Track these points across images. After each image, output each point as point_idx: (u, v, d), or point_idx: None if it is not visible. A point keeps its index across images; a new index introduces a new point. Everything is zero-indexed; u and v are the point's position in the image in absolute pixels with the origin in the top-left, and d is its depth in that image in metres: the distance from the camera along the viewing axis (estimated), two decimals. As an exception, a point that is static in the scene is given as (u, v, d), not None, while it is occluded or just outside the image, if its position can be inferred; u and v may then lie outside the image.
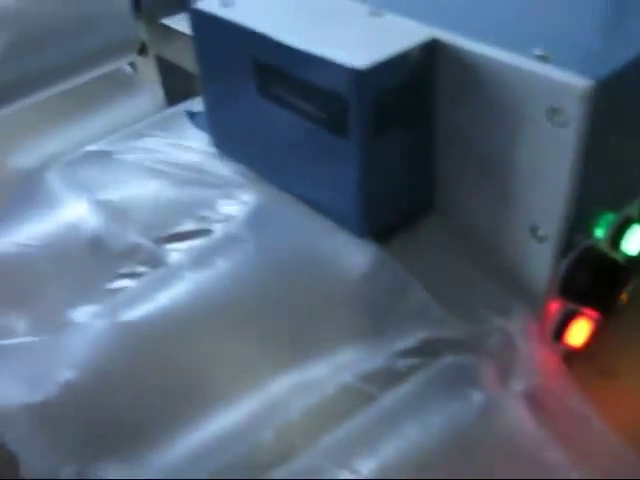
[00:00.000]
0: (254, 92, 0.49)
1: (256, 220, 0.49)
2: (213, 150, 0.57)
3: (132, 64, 0.80)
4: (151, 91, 0.78)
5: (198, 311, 0.43)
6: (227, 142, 0.56)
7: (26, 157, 0.73)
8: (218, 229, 0.48)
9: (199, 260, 0.46)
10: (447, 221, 0.51)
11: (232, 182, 0.52)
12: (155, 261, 0.47)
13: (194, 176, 0.54)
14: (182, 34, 0.73)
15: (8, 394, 0.40)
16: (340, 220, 0.49)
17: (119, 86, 0.76)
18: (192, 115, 0.62)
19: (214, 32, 0.51)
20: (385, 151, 0.45)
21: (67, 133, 0.75)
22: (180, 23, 0.73)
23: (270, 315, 0.44)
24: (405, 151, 0.47)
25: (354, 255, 0.46)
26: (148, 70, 0.78)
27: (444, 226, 0.51)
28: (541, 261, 0.46)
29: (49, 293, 0.49)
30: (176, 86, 0.79)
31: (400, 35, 0.44)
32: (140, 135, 0.61)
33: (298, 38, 0.45)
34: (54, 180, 0.58)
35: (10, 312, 0.48)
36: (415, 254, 0.49)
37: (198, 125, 0.61)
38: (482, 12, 0.48)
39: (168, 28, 0.74)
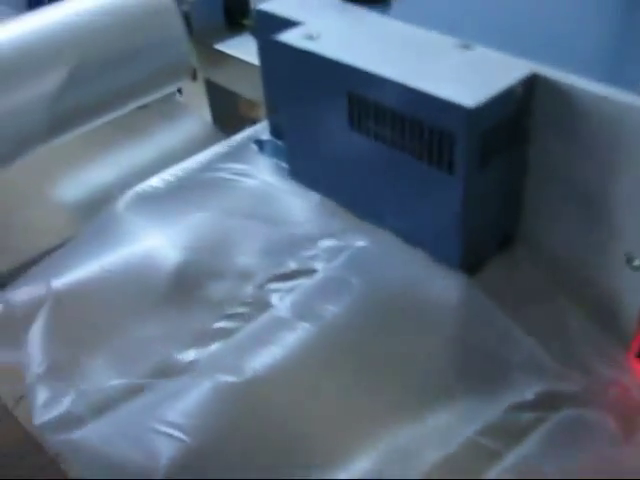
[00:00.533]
0: (344, 124, 0.49)
1: (356, 258, 0.48)
2: (291, 181, 0.57)
3: (179, 88, 0.79)
4: (199, 115, 0.78)
5: (309, 364, 0.42)
6: (307, 173, 0.56)
7: (79, 186, 0.72)
8: (319, 268, 0.48)
9: (305, 305, 0.45)
10: (533, 251, 0.51)
11: (321, 216, 0.52)
12: (256, 303, 0.47)
13: (278, 210, 0.53)
14: (234, 58, 0.73)
15: (122, 459, 0.39)
16: (434, 251, 0.49)
17: (166, 111, 0.76)
18: (261, 144, 0.62)
19: (298, 64, 0.51)
20: (485, 184, 0.46)
21: (118, 160, 0.75)
22: (233, 47, 0.73)
23: (381, 363, 0.43)
24: (501, 182, 0.47)
25: (455, 295, 0.46)
26: (196, 94, 0.77)
27: (530, 256, 0.51)
28: (636, 291, 0.46)
29: (138, 333, 0.48)
30: (224, 110, 0.79)
31: (500, 70, 0.45)
32: (209, 166, 0.61)
33: (397, 72, 0.45)
34: (129, 214, 0.57)
35: (96, 353, 0.46)
36: (507, 287, 0.49)
37: (268, 154, 0.61)
38: (571, 43, 0.48)
39: (218, 52, 0.74)
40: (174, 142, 0.76)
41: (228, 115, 0.79)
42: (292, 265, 0.48)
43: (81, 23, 0.66)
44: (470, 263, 0.49)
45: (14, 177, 0.67)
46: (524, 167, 0.48)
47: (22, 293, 0.49)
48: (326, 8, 0.56)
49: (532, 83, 0.45)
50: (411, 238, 0.50)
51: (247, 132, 0.65)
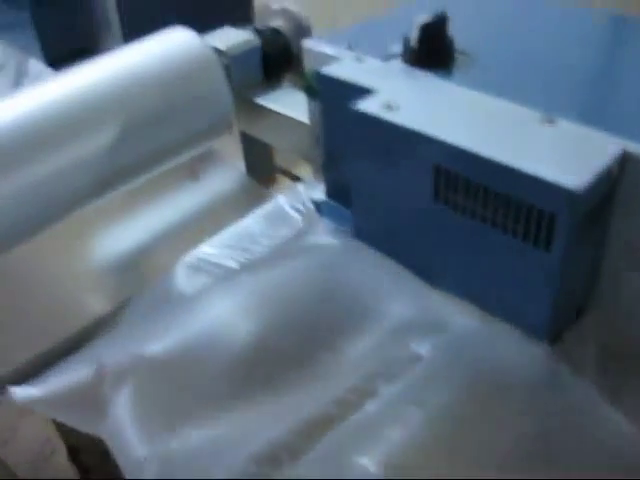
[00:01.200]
0: (427, 195, 0.49)
1: (453, 340, 0.48)
2: (361, 247, 0.56)
3: (212, 139, 0.78)
4: (234, 166, 0.77)
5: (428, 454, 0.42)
6: (376, 237, 0.55)
7: (116, 248, 0.71)
8: (422, 352, 0.47)
9: (410, 394, 0.44)
10: (607, 318, 0.51)
11: (398, 285, 0.52)
12: (361, 390, 0.45)
13: (359, 284, 0.53)
14: (272, 112, 0.73)
15: None
16: (517, 321, 0.49)
17: (201, 161, 0.75)
18: (318, 205, 0.61)
19: (378, 133, 0.51)
20: (577, 259, 0.46)
21: (157, 214, 0.74)
22: (271, 101, 0.73)
23: (477, 449, 0.43)
24: (587, 256, 0.48)
25: (546, 371, 0.46)
26: (229, 144, 0.77)
27: (604, 324, 0.51)
28: None
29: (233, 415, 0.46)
30: (258, 161, 0.79)
31: (592, 147, 0.45)
32: (267, 230, 0.60)
33: (491, 149, 0.45)
34: (191, 282, 0.56)
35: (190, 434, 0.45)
36: (588, 356, 0.49)
37: (326, 216, 0.61)
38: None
39: (255, 105, 0.73)
40: (211, 194, 0.75)
41: (262, 166, 0.79)
42: (392, 349, 0.47)
43: (127, 82, 0.65)
44: (554, 333, 0.49)
45: (49, 243, 0.65)
46: (604, 238, 0.49)
47: (107, 359, 0.47)
48: (391, 73, 0.56)
49: (624, 160, 0.45)
50: (491, 307, 0.50)
51: (294, 191, 0.64)
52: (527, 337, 0.48)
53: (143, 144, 0.65)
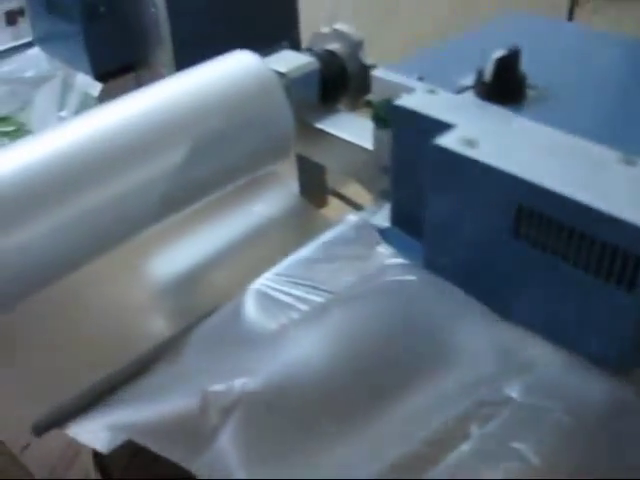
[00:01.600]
0: (505, 230, 0.50)
1: (540, 380, 0.48)
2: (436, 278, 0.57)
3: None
4: (289, 188, 0.78)
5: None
6: (447, 269, 0.56)
7: (174, 265, 0.72)
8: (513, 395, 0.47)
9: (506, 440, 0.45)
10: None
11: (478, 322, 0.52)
12: (452, 431, 0.46)
13: (438, 322, 0.53)
14: (331, 136, 0.73)
15: None
16: (593, 356, 0.49)
17: (257, 183, 0.76)
18: (383, 232, 0.62)
19: (456, 168, 0.51)
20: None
21: (211, 236, 0.74)
22: (330, 125, 0.74)
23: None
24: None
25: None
26: (285, 167, 0.77)
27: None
28: None
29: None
30: (312, 183, 0.80)
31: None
32: (333, 256, 0.60)
33: (576, 191, 0.46)
34: (260, 315, 0.56)
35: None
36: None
37: (391, 243, 0.61)
38: None
39: (312, 128, 0.74)
40: (266, 216, 0.75)
41: (315, 187, 0.80)
42: (481, 390, 0.47)
43: (193, 104, 0.65)
44: (630, 369, 0.50)
45: (103, 267, 0.65)
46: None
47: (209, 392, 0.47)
48: (465, 107, 0.57)
49: None
50: (569, 344, 0.51)
51: (354, 218, 0.65)
52: (608, 376, 0.49)
53: (208, 166, 0.66)
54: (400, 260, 0.58)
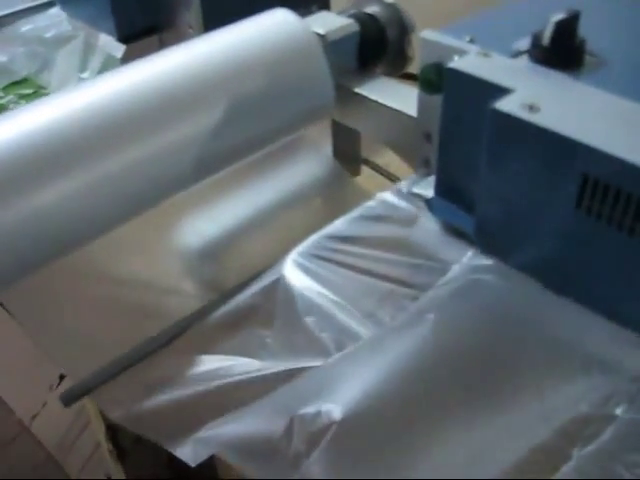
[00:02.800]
0: (567, 203, 0.47)
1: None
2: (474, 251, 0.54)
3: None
4: (322, 152, 0.75)
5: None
6: (500, 245, 0.53)
7: (204, 232, 0.69)
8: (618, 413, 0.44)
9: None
10: None
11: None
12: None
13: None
14: (370, 101, 0.71)
15: None
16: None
17: (291, 148, 0.73)
18: (429, 203, 0.59)
19: (516, 135, 0.48)
20: None
21: (243, 200, 0.72)
22: (368, 90, 0.71)
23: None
24: None
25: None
26: (319, 131, 0.75)
27: None
28: None
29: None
30: (346, 149, 0.77)
31: None
32: (375, 226, 0.58)
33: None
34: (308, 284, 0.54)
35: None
36: None
37: (437, 213, 0.59)
38: None
39: (350, 92, 0.71)
40: (300, 180, 0.73)
41: (349, 155, 0.77)
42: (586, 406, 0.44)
43: (230, 63, 0.63)
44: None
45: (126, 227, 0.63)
46: None
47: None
48: (522, 71, 0.54)
49: None
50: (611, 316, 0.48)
51: (396, 188, 0.62)
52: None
53: (243, 128, 0.63)
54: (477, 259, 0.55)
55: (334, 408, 0.43)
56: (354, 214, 0.60)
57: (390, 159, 0.78)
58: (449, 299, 0.51)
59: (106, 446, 0.75)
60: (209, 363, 0.53)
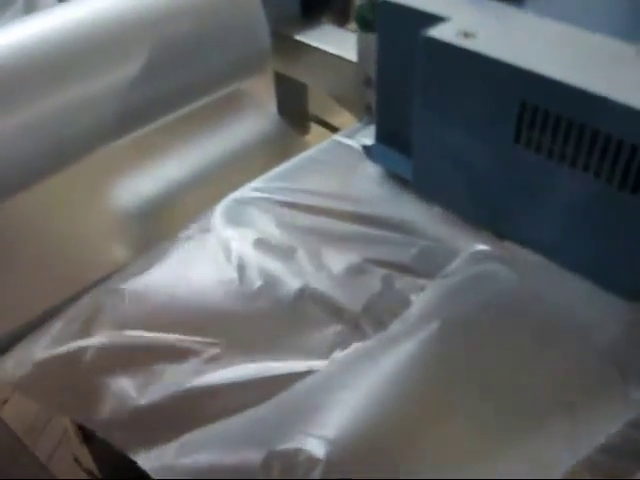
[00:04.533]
0: (507, 136, 0.43)
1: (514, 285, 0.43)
2: (411, 194, 0.51)
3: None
4: (265, 108, 0.71)
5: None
6: (438, 186, 0.50)
7: (136, 194, 0.65)
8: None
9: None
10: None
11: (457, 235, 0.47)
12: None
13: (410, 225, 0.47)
14: (313, 50, 0.66)
15: None
16: (597, 278, 0.43)
17: (230, 101, 0.69)
18: (368, 150, 0.55)
19: (451, 65, 0.45)
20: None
21: (183, 158, 0.68)
22: (313, 38, 0.67)
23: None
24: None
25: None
26: (262, 85, 0.71)
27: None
28: None
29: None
30: (292, 105, 0.73)
31: None
32: (309, 173, 0.54)
33: (590, 82, 0.39)
34: (225, 229, 0.50)
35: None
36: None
37: (377, 160, 0.55)
38: None
39: (293, 42, 0.67)
40: (239, 137, 0.69)
41: (296, 112, 0.73)
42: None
43: (155, 8, 0.58)
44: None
45: (59, 185, 0.58)
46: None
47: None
48: (460, 1, 0.49)
49: None
50: (571, 263, 0.45)
51: (337, 136, 0.59)
52: (606, 295, 0.43)
53: (171, 76, 0.59)
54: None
55: (317, 445, 0.38)
56: (290, 163, 0.56)
57: (347, 119, 0.74)
58: (446, 302, 0.46)
59: (72, 429, 0.72)
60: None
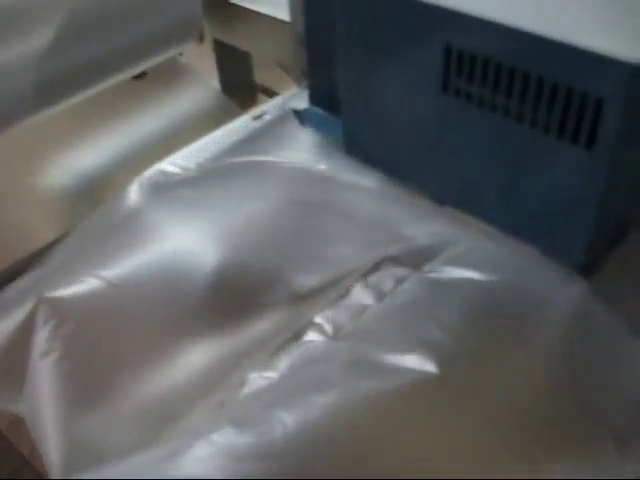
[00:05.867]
0: (434, 86, 0.39)
1: (455, 258, 0.38)
2: (347, 161, 0.46)
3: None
4: (206, 82, 0.67)
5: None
6: (371, 148, 0.45)
7: (71, 171, 0.61)
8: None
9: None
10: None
11: (395, 204, 0.42)
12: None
13: (342, 200, 0.43)
14: (247, 11, 0.62)
15: None
16: (545, 246, 0.39)
17: (168, 76, 0.64)
18: (300, 115, 0.51)
19: (372, 10, 0.40)
20: (629, 160, 0.36)
21: (115, 137, 0.63)
22: (250, 1, 0.62)
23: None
24: (636, 162, 0.37)
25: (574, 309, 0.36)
26: (201, 57, 0.66)
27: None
28: None
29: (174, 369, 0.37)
30: (235, 76, 0.68)
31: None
32: (238, 145, 0.50)
33: (519, 19, 0.34)
34: (145, 206, 0.46)
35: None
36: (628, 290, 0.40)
37: (311, 126, 0.50)
38: None
39: (233, 7, 0.62)
40: (179, 114, 0.64)
41: (239, 82, 0.68)
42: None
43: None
44: (590, 261, 0.39)
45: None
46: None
47: (18, 314, 0.37)
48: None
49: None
50: (511, 229, 0.40)
51: (273, 101, 0.54)
52: (556, 265, 0.38)
53: (89, 44, 0.54)
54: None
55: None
56: (220, 132, 0.51)
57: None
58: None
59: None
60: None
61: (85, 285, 0.39)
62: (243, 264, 0.40)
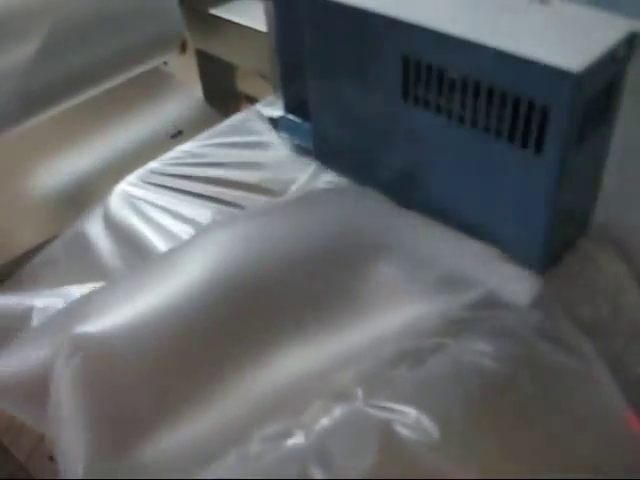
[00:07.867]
0: (395, 95, 0.41)
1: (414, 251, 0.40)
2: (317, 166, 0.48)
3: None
4: (188, 89, 0.69)
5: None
6: (338, 154, 0.47)
7: (56, 176, 0.63)
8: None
9: None
10: (608, 243, 0.43)
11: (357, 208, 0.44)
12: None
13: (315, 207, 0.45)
14: (232, 24, 0.64)
15: None
16: (505, 245, 0.41)
17: (152, 86, 0.66)
18: (275, 122, 0.53)
19: (337, 23, 0.42)
20: (577, 165, 0.38)
21: (99, 145, 0.65)
22: (231, 12, 0.64)
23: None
24: (590, 163, 0.39)
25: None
26: (184, 67, 0.68)
27: (606, 248, 0.43)
28: None
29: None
30: (217, 85, 0.70)
31: (593, 28, 0.37)
32: (217, 150, 0.52)
33: (471, 31, 0.37)
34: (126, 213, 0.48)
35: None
36: (584, 286, 0.41)
37: (284, 133, 0.52)
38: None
39: (212, 18, 0.64)
40: (162, 121, 0.66)
41: (222, 91, 0.70)
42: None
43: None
44: (548, 259, 0.41)
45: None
46: (609, 144, 0.41)
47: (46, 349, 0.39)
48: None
49: (632, 43, 0.37)
50: (473, 230, 0.42)
51: (251, 110, 0.56)
52: (515, 264, 0.40)
53: (74, 54, 0.56)
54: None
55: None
56: (200, 138, 0.54)
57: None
58: (282, 209, 0.44)
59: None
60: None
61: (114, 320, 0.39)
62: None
